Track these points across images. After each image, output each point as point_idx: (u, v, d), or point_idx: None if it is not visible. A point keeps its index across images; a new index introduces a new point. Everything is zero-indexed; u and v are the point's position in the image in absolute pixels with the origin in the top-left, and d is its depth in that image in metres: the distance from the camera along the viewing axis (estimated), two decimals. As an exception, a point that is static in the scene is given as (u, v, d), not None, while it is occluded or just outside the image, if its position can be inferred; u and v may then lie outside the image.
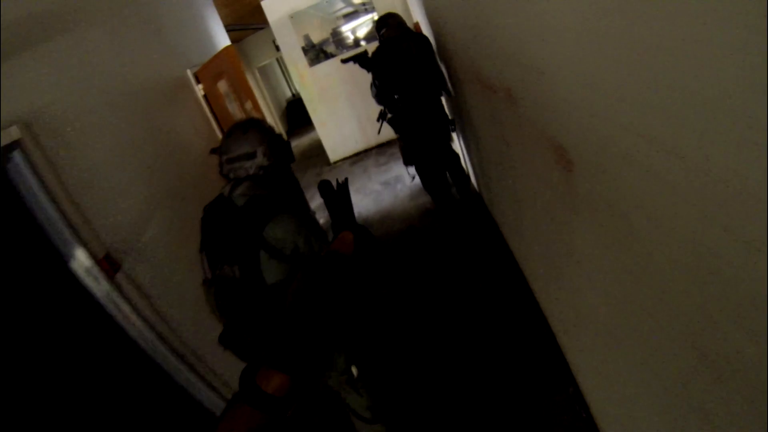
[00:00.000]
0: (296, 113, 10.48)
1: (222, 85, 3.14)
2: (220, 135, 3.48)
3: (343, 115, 6.73)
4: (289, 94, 12.91)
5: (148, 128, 2.61)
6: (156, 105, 2.82)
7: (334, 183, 1.26)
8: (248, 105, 2.93)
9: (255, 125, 1.67)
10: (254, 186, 1.58)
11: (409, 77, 3.17)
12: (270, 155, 1.63)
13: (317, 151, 7.50)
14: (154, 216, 2.35)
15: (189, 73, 3.34)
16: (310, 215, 1.59)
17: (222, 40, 4.30)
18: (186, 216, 2.55)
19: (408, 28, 3.41)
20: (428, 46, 3.26)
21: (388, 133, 4.58)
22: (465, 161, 4.13)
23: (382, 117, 3.70)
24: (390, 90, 3.29)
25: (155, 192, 2.43)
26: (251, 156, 1.60)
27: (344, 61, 3.71)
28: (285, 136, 4.46)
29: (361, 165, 6.63)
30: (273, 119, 10.79)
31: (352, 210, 1.18)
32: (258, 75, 10.50)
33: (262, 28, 6.93)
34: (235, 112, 3.23)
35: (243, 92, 2.87)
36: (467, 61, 2.34)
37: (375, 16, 6.32)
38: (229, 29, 7.57)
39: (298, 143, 10.14)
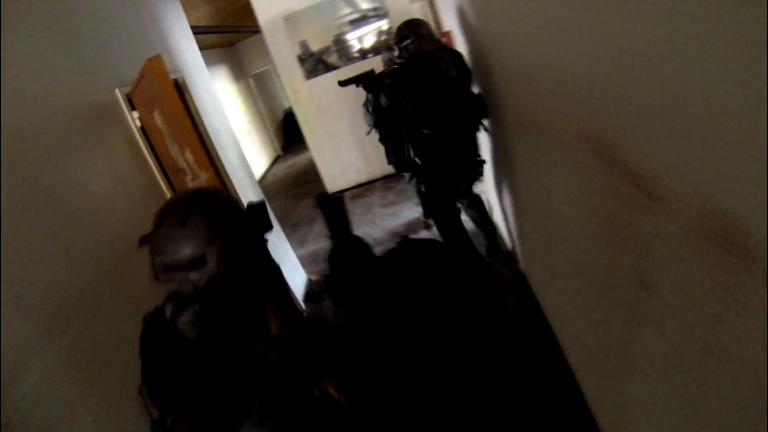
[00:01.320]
0: (294, 126, 9.43)
1: (157, 118, 2.02)
2: (168, 194, 2.36)
3: (344, 139, 5.64)
4: (286, 104, 11.85)
5: (36, 193, 1.54)
6: (56, 150, 1.74)
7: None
8: (188, 156, 1.79)
9: (201, 209, 1.15)
10: (209, 307, 1.14)
11: (447, 106, 2.38)
12: (228, 257, 1.14)
13: (313, 175, 6.40)
14: (38, 352, 1.27)
15: (119, 94, 2.22)
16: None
17: (184, 47, 3.20)
18: (96, 343, 1.56)
19: (439, 41, 2.64)
20: (465, 65, 2.47)
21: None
22: (490, 209, 3.32)
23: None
24: (419, 122, 2.48)
25: (45, 309, 1.35)
26: (198, 263, 1.11)
27: (343, 83, 2.65)
28: (259, 195, 3.33)
29: (364, 202, 5.52)
30: (268, 133, 9.73)
31: (347, 223, 1.11)
32: (252, 83, 9.44)
33: (257, 32, 5.85)
34: (178, 160, 2.10)
35: (180, 133, 1.74)
36: (520, 92, 1.71)
37: (386, 24, 5.26)
38: (215, 31, 6.50)
39: (294, 162, 9.05)
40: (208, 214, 1.15)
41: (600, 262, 1.26)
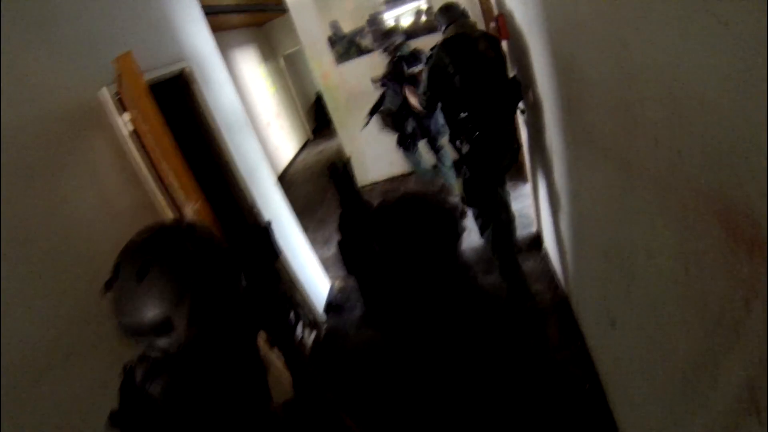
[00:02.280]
0: (326, 109, 9.09)
1: (142, 124, 1.65)
2: (167, 212, 2.01)
3: (377, 129, 5.19)
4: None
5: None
6: (22, 168, 1.43)
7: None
8: (172, 179, 1.38)
9: (163, 258, 0.88)
10: (183, 378, 0.91)
11: (486, 87, 2.41)
12: (203, 319, 0.89)
13: (349, 157, 5.99)
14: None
15: (106, 93, 1.86)
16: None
17: (194, 31, 2.79)
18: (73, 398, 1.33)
19: (474, 25, 2.55)
20: (501, 50, 2.50)
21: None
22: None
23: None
24: (459, 103, 2.47)
25: (11, 363, 1.08)
26: (163, 329, 0.87)
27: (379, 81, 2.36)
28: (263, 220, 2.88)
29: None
30: (299, 116, 9.38)
31: (355, 190, 1.07)
32: (283, 64, 9.06)
33: (284, 11, 5.45)
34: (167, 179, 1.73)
35: (160, 150, 1.35)
36: (602, 106, 1.29)
37: (423, 3, 4.75)
38: (238, 10, 6.13)
39: (324, 148, 8.68)
40: (173, 265, 0.90)
41: (693, 331, 0.95)
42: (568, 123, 1.66)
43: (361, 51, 4.87)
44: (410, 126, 4.10)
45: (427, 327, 0.91)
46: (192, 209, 1.34)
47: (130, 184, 1.90)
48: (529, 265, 3.17)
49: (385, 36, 4.01)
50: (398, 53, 3.92)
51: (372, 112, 4.23)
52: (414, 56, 3.93)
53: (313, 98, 10.59)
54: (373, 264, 0.99)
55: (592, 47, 1.20)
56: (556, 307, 2.75)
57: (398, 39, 3.95)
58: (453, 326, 0.91)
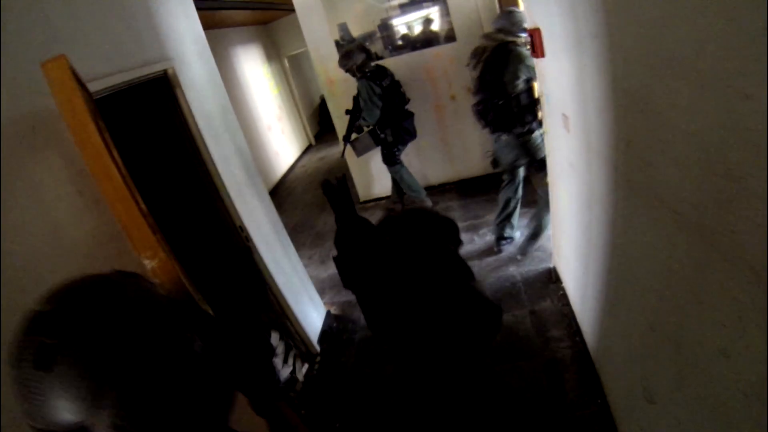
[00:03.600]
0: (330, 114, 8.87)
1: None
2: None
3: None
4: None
5: None
6: None
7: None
8: (122, 224, 1.08)
9: (77, 339, 0.66)
10: None
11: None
12: (134, 419, 0.67)
13: (344, 173, 5.69)
14: None
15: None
16: None
17: (181, 28, 2.46)
18: None
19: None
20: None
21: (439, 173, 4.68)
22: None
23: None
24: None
25: None
26: None
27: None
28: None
29: (400, 216, 4.80)
30: (301, 120, 9.08)
31: (351, 205, 1.06)
32: (288, 65, 8.77)
33: (290, 10, 5.16)
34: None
35: (100, 183, 1.03)
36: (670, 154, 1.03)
37: (434, 13, 4.50)
38: (251, 7, 5.85)
39: (326, 155, 8.38)
40: (90, 352, 0.65)
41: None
42: (623, 168, 1.37)
43: (371, 57, 4.57)
44: (388, 135, 4.27)
45: (429, 346, 0.88)
46: (151, 266, 1.04)
47: (90, 209, 1.60)
48: (545, 305, 2.87)
49: (345, 57, 4.10)
50: (367, 70, 4.10)
51: (347, 138, 4.41)
52: (381, 71, 4.14)
53: (316, 102, 10.30)
54: (372, 277, 0.97)
55: (684, 88, 0.91)
56: (574, 358, 2.45)
57: (359, 59, 4.06)
58: (458, 352, 0.89)
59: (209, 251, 2.68)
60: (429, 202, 4.89)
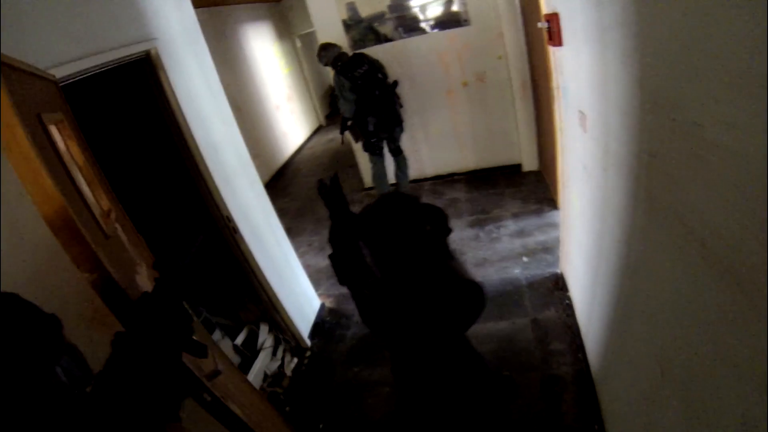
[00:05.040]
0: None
1: (56, 134, 1.19)
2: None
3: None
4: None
5: None
6: None
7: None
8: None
9: None
10: None
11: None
12: None
13: (351, 160, 5.48)
14: None
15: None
16: None
17: (168, 4, 2.25)
18: None
19: None
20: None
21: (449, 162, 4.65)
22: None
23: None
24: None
25: None
26: None
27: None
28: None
29: (404, 207, 4.61)
30: (311, 100, 8.85)
31: (344, 202, 1.09)
32: (299, 44, 8.50)
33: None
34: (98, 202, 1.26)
35: (23, 178, 0.88)
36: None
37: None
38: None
39: (335, 137, 8.12)
40: None
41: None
42: (645, 182, 1.16)
43: (380, 39, 4.34)
44: (371, 124, 4.15)
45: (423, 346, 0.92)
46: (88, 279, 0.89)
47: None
48: (549, 314, 2.68)
49: (322, 49, 4.09)
50: (339, 63, 4.02)
51: (343, 129, 4.36)
52: (356, 60, 4.03)
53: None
54: (365, 273, 1.00)
55: (729, 96, 0.70)
56: (575, 377, 2.27)
57: (335, 50, 4.06)
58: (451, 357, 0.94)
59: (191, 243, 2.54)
60: None
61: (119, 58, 1.87)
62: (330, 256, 1.10)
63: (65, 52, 1.61)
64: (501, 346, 2.57)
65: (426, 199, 4.85)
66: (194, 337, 1.11)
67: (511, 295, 2.93)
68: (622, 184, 1.38)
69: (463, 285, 0.97)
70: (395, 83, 4.18)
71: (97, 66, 1.73)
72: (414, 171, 4.92)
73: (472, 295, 0.99)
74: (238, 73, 6.25)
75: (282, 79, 7.60)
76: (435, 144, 4.83)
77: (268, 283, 2.75)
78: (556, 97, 2.50)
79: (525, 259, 3.22)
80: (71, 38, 1.66)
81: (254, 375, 2.79)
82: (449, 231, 1.07)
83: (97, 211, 1.33)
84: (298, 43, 8.45)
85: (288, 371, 3.01)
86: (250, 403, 2.01)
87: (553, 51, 2.37)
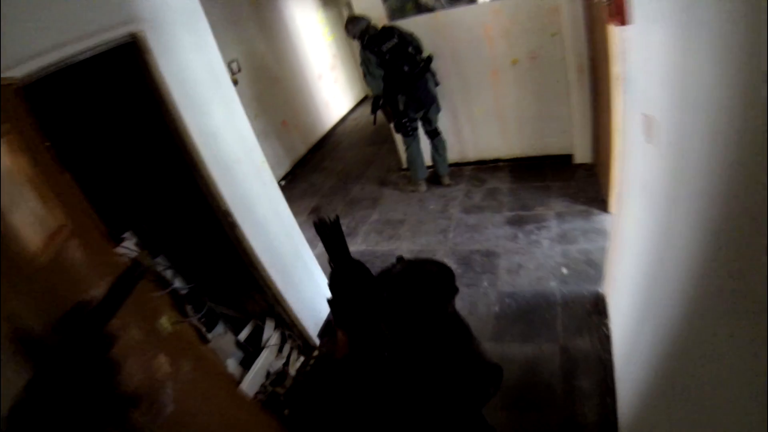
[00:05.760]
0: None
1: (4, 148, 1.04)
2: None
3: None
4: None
5: None
6: None
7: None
8: None
9: None
10: None
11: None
12: None
13: (389, 135, 5.12)
14: None
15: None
16: None
17: None
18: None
19: None
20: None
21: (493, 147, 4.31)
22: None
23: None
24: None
25: None
26: None
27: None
28: None
29: (444, 194, 4.29)
30: (357, 70, 8.48)
31: (345, 247, 1.07)
32: (345, 12, 8.09)
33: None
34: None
35: None
36: None
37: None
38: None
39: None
40: None
41: None
42: (731, 243, 0.81)
43: (420, 9, 3.92)
44: (401, 102, 3.86)
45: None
46: None
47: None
48: (582, 344, 2.34)
49: (350, 23, 3.83)
50: (366, 36, 3.73)
51: (374, 108, 4.07)
52: (385, 33, 3.73)
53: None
54: (368, 329, 0.96)
55: None
56: (598, 428, 1.96)
57: (363, 23, 3.78)
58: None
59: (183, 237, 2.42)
60: (423, 188, 4.46)
61: (97, 45, 1.69)
62: (329, 301, 1.07)
63: (31, 44, 1.44)
64: (521, 376, 2.28)
65: (465, 185, 4.55)
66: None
67: (543, 313, 2.60)
68: (696, 229, 0.99)
69: (482, 369, 0.91)
70: (429, 58, 3.80)
71: (72, 55, 1.56)
72: (455, 154, 4.55)
73: (491, 380, 0.93)
74: (277, 42, 6.03)
75: (326, 48, 7.28)
76: (479, 126, 4.42)
77: (271, 280, 2.59)
78: (617, 87, 2.07)
79: (564, 270, 2.85)
80: (38, 27, 1.48)
81: (255, 373, 2.69)
82: (456, 291, 0.97)
83: (33, 240, 1.17)
84: (344, 11, 8.05)
85: (292, 371, 2.88)
86: (224, 411, 1.88)
87: (615, 31, 1.91)
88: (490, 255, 3.20)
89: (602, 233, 3.04)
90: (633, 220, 1.76)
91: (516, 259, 3.09)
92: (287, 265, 2.76)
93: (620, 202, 2.14)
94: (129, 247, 2.42)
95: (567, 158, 4.07)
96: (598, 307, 2.48)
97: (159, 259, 2.55)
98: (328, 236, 1.08)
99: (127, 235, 2.49)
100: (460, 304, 2.85)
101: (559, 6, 3.42)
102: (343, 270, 1.08)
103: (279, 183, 5.85)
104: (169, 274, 2.52)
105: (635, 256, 1.71)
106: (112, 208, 2.34)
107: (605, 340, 2.27)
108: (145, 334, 1.58)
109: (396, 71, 3.70)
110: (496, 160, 4.51)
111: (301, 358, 2.96)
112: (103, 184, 2.29)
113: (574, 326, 2.45)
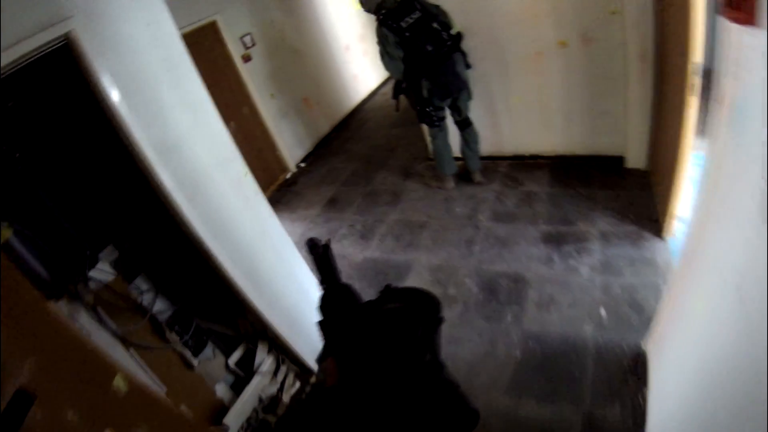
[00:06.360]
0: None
1: None
2: None
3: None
4: None
5: None
6: None
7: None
8: None
9: None
10: None
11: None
12: None
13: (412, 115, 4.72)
14: None
15: None
16: None
17: None
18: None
19: None
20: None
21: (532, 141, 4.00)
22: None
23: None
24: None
25: None
26: None
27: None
28: None
29: (473, 194, 3.90)
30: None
31: (336, 270, 1.11)
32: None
33: None
34: None
35: None
36: None
37: None
38: None
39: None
40: None
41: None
42: None
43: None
44: (425, 88, 3.41)
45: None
46: None
47: None
48: (611, 414, 1.99)
49: None
50: (383, 10, 3.27)
51: (396, 93, 3.64)
52: (405, 6, 3.24)
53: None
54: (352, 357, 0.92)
55: None
56: None
57: None
58: None
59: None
60: (450, 185, 4.05)
61: (25, 55, 1.42)
62: (319, 323, 1.06)
63: None
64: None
65: (498, 185, 4.09)
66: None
67: (571, 366, 2.25)
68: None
69: (456, 408, 0.87)
70: (459, 36, 3.32)
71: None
72: (489, 145, 4.12)
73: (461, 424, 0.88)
74: (297, 10, 5.64)
75: (354, 17, 6.77)
76: (518, 117, 3.94)
77: (256, 309, 2.37)
78: (692, 87, 1.61)
79: (603, 311, 2.46)
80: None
81: (245, 401, 2.52)
82: (441, 321, 0.95)
83: None
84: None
85: (286, 397, 2.71)
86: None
87: (730, 30, 1.33)
88: (518, 281, 2.84)
89: (651, 265, 2.61)
90: (707, 307, 1.34)
91: (548, 289, 2.72)
92: (278, 289, 2.52)
93: (689, 269, 1.68)
94: (104, 268, 2.28)
95: (617, 161, 3.56)
96: (636, 369, 2.11)
97: (137, 282, 2.38)
98: (319, 258, 1.09)
99: (107, 250, 2.33)
100: (479, 340, 2.55)
101: (622, -24, 2.87)
102: (331, 294, 1.09)
103: (299, 165, 5.64)
104: (148, 298, 2.36)
105: (701, 346, 1.33)
106: (92, 220, 2.16)
107: (640, 415, 1.92)
108: (88, 408, 1.40)
109: (418, 51, 3.23)
110: (536, 157, 4.04)
111: (298, 384, 2.78)
112: (81, 196, 2.11)
113: (605, 389, 2.09)
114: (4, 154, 1.74)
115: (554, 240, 3.08)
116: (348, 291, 1.10)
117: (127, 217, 2.36)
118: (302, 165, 5.68)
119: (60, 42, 1.51)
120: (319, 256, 1.11)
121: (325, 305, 1.09)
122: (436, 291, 3.00)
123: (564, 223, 3.20)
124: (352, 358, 0.96)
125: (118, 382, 1.61)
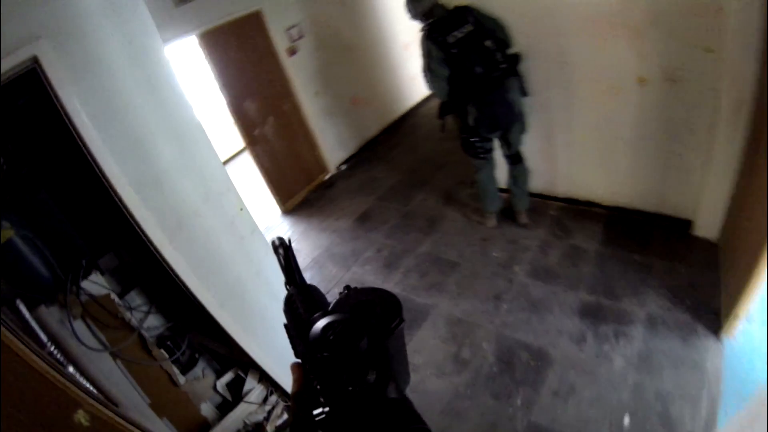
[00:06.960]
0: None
1: None
2: None
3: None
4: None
5: None
6: None
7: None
8: None
9: None
10: None
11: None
12: None
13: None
14: None
15: None
16: None
17: None
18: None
19: None
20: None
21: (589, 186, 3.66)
22: None
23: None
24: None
25: None
26: None
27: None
28: None
29: (513, 237, 3.59)
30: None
31: (299, 270, 0.85)
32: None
33: None
34: None
35: None
36: None
37: None
38: None
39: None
40: None
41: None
42: None
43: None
44: (471, 116, 3.06)
45: None
46: None
47: None
48: None
49: (412, 1, 2.95)
50: (429, 21, 2.92)
51: (442, 113, 3.25)
52: (456, 17, 2.88)
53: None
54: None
55: None
56: None
57: (427, 1, 2.91)
58: None
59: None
60: (492, 223, 3.73)
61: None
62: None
63: None
64: None
65: (544, 232, 3.68)
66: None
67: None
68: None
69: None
70: (516, 58, 2.93)
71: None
72: (541, 182, 3.77)
73: None
74: (354, 3, 5.43)
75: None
76: (577, 155, 3.56)
77: (247, 351, 2.25)
78: None
79: (627, 420, 2.13)
80: None
81: (227, 425, 2.48)
82: (401, 322, 0.75)
83: None
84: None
85: (270, 427, 2.61)
86: None
87: None
88: (541, 358, 2.54)
89: (698, 371, 2.23)
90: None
91: (571, 376, 2.41)
92: (271, 327, 2.39)
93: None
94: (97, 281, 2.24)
95: (684, 224, 3.12)
96: None
97: (130, 297, 2.34)
98: (283, 257, 0.92)
99: (107, 257, 2.30)
100: (479, 420, 2.31)
101: (726, 6, 2.40)
102: (293, 296, 0.91)
103: (339, 167, 5.51)
104: (137, 316, 2.32)
105: None
106: (94, 225, 2.11)
107: None
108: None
109: (465, 72, 2.88)
110: (591, 203, 3.65)
111: (284, 417, 2.67)
112: (83, 204, 2.06)
113: None
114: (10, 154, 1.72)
115: (593, 314, 2.73)
116: (309, 294, 0.95)
117: (126, 227, 2.31)
118: (343, 168, 5.54)
119: (27, 67, 1.40)
120: (282, 255, 0.97)
121: (287, 308, 1.05)
122: (449, 348, 2.78)
123: (608, 296, 2.83)
124: (312, 365, 0.88)
125: (80, 418, 1.56)
